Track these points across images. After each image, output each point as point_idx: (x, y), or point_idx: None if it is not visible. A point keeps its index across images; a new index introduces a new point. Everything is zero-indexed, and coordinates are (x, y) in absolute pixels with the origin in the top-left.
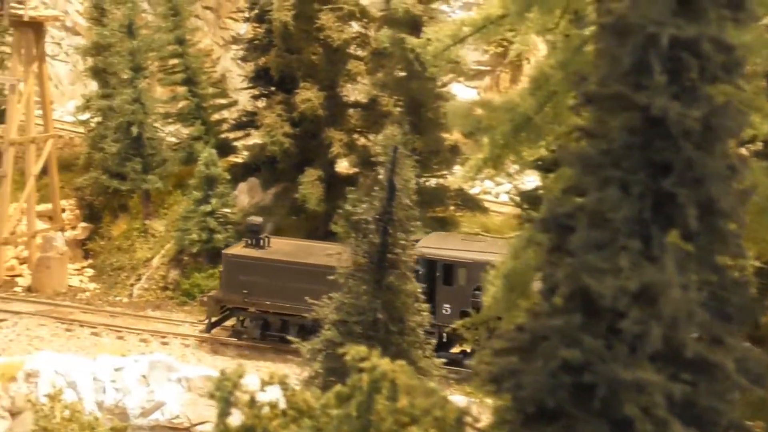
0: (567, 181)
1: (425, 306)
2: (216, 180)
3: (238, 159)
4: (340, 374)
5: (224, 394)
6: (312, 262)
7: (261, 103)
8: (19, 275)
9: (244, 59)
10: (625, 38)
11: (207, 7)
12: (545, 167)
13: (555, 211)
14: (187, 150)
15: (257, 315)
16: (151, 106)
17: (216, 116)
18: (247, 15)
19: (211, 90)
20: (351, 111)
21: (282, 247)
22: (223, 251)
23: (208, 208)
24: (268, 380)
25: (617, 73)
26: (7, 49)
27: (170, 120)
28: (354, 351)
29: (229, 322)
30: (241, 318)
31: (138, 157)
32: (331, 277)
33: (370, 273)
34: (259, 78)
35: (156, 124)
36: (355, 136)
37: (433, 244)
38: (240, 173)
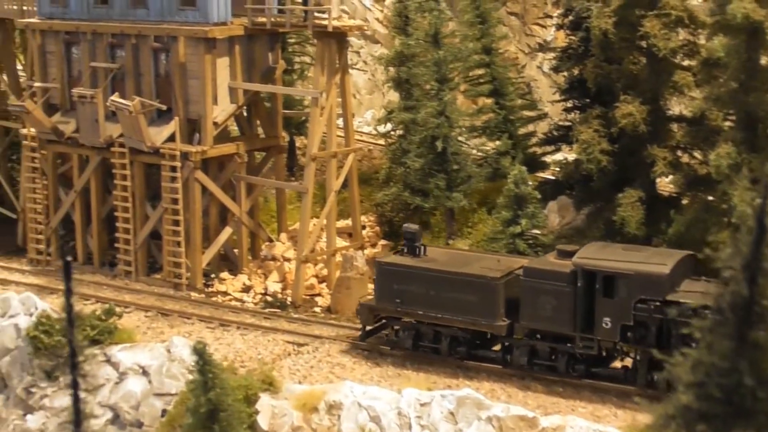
0: None
1: None
2: (526, 199)
3: (547, 175)
4: None
5: None
6: (465, 272)
7: (574, 116)
8: (319, 294)
9: (556, 69)
10: None
11: (512, 13)
12: None
13: None
14: (493, 165)
15: (410, 325)
16: (456, 119)
17: (524, 130)
18: (559, 22)
19: (519, 102)
20: (675, 126)
21: (438, 256)
22: (376, 259)
23: (517, 229)
24: None
25: None
26: (307, 59)
27: (475, 134)
28: None
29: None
30: (395, 327)
31: (442, 173)
32: (685, 331)
33: (734, 328)
34: (573, 89)
35: (460, 138)
36: (680, 153)
37: (592, 255)
38: (550, 191)
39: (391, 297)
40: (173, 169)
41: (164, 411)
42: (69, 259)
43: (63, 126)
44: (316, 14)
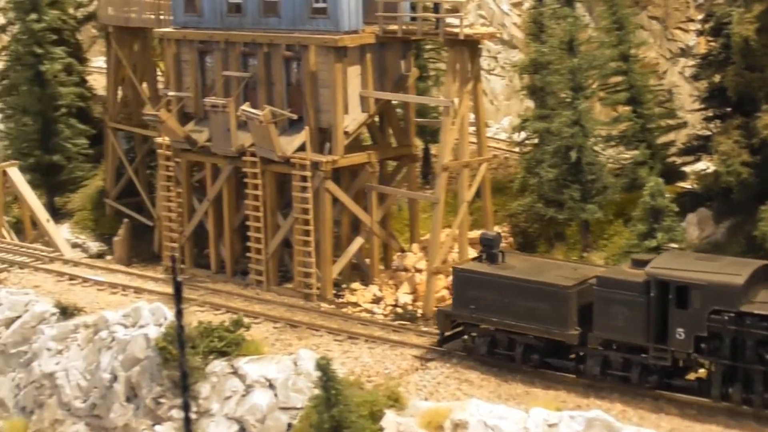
0: None
1: None
2: (662, 212)
3: (687, 185)
4: None
5: None
6: (537, 279)
7: (714, 126)
8: None
9: (695, 77)
10: None
11: (653, 17)
12: None
13: None
14: (629, 176)
15: (485, 331)
16: (592, 128)
17: (663, 138)
18: (700, 28)
19: (657, 110)
20: None
21: (516, 264)
22: (452, 265)
23: (653, 243)
24: None
25: None
26: (443, 66)
27: (612, 143)
28: None
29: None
30: (472, 334)
31: (576, 183)
32: None
33: None
34: (713, 98)
35: (596, 148)
36: None
37: (666, 264)
38: (689, 203)
39: (467, 303)
40: (303, 178)
41: (289, 425)
42: (180, 279)
43: (196, 135)
44: (448, 20)
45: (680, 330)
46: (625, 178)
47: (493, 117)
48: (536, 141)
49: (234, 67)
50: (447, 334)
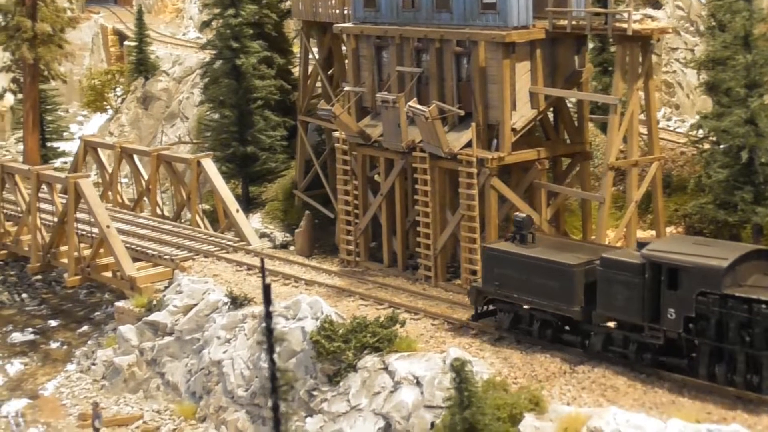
0: None
1: None
2: None
3: None
4: None
5: None
6: (547, 258)
7: None
8: None
9: None
10: None
11: None
12: None
13: None
14: None
15: (510, 307)
16: (766, 127)
17: None
18: None
19: None
20: None
21: (543, 244)
22: (483, 244)
23: None
24: None
25: None
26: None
27: None
28: None
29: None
30: (500, 310)
31: (748, 185)
32: None
33: None
34: None
35: None
36: None
37: (661, 247)
38: None
39: (492, 280)
40: (470, 175)
41: (432, 424)
42: (269, 282)
43: (370, 129)
44: (620, 16)
45: (671, 310)
46: None
47: (689, 112)
48: (714, 139)
49: (408, 63)
50: (481, 310)
